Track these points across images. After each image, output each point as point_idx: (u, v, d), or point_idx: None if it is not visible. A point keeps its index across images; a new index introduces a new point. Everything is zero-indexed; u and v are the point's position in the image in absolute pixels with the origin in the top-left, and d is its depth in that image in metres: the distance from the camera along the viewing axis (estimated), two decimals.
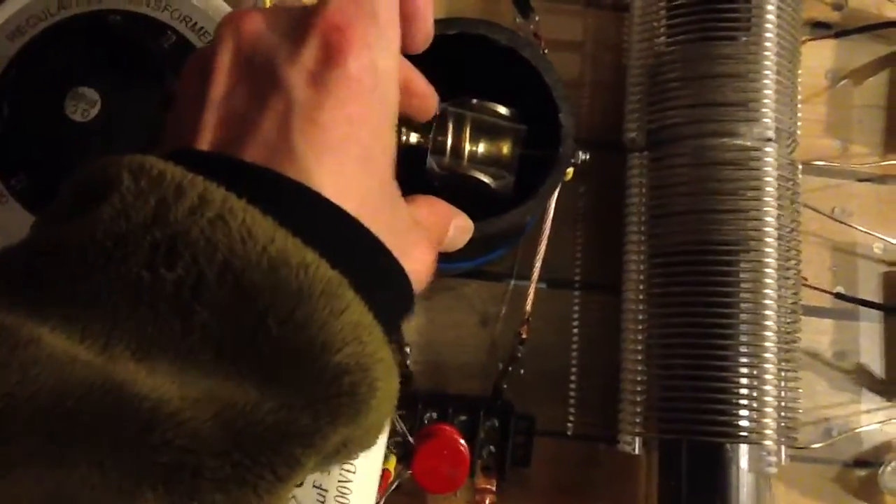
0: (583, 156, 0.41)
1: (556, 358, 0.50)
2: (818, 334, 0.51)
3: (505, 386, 0.46)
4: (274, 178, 0.21)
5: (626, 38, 0.49)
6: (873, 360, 0.51)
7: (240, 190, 0.20)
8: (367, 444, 0.23)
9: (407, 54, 0.39)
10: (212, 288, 0.19)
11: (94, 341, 0.18)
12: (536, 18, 0.49)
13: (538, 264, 0.44)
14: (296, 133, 0.21)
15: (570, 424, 0.49)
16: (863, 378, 0.51)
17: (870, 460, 0.50)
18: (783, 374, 0.40)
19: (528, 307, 0.44)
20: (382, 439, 0.34)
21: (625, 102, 0.46)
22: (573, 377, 0.49)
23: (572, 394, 0.49)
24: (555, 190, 0.39)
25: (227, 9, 0.36)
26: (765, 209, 0.41)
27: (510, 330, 0.48)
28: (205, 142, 0.22)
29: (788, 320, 0.42)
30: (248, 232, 0.19)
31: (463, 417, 0.44)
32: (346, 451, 0.22)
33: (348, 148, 0.22)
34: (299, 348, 0.19)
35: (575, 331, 0.50)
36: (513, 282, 0.50)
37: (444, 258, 0.48)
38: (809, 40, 0.52)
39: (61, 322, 0.18)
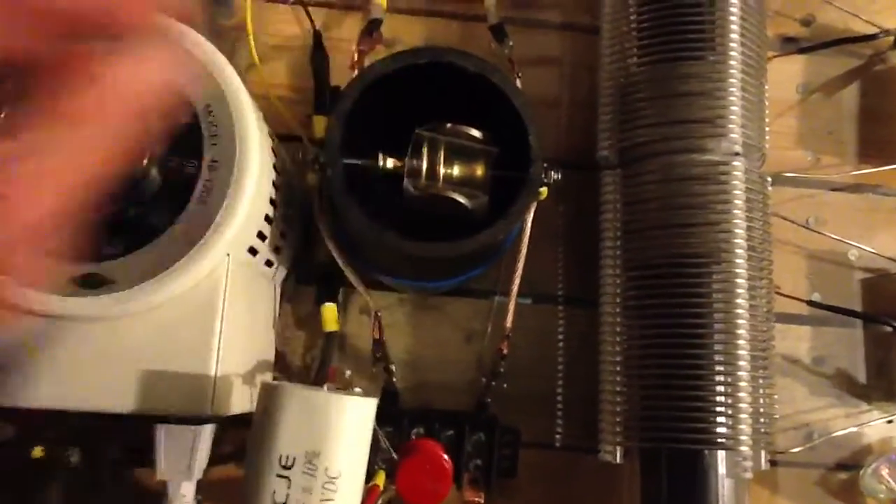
0: (555, 175, 0.42)
1: (541, 371, 0.51)
2: (797, 341, 0.52)
3: (489, 400, 0.47)
4: None
5: (597, 59, 0.51)
6: (852, 365, 0.52)
7: None
8: None
9: (384, 84, 0.41)
10: None
11: None
12: (511, 44, 0.51)
13: (517, 281, 0.45)
14: None
15: (557, 436, 0.50)
16: (842, 383, 0.52)
17: (850, 463, 0.51)
18: (759, 381, 0.42)
19: (509, 324, 0.45)
20: (363, 458, 0.35)
21: (596, 122, 0.48)
22: (559, 389, 0.51)
23: (559, 406, 0.50)
24: (526, 210, 0.40)
25: (209, 45, 0.38)
26: (734, 222, 0.42)
27: (495, 346, 0.49)
28: None
29: (762, 328, 0.43)
30: None
31: (449, 432, 0.46)
32: None
33: None
34: None
35: (560, 344, 0.52)
36: (497, 298, 0.52)
37: (425, 278, 0.50)
38: (776, 56, 0.53)
39: None
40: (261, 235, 0.40)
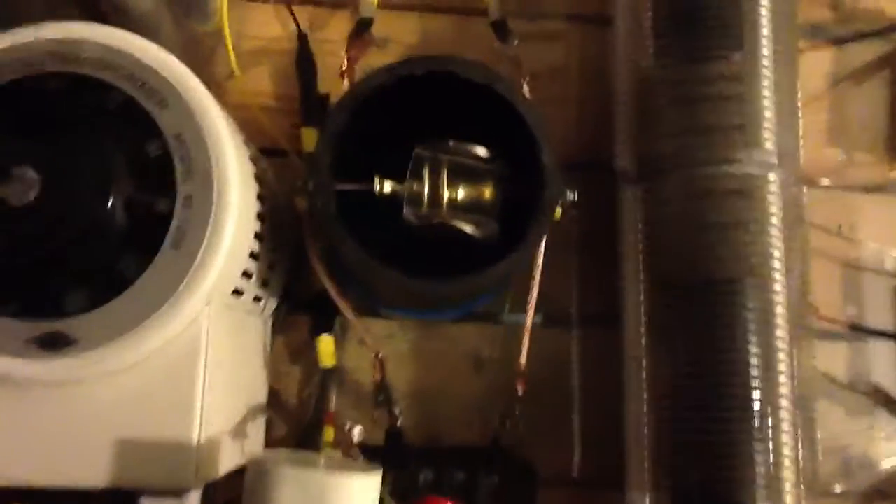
0: (570, 195, 0.38)
1: (556, 397, 0.47)
2: (833, 359, 0.48)
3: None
4: None
5: (610, 59, 0.46)
6: (892, 382, 0.48)
7: None
8: None
9: (378, 98, 0.37)
10: None
11: None
12: (516, 42, 0.46)
13: (530, 314, 0.41)
14: None
15: (575, 468, 0.46)
16: (881, 401, 0.48)
17: (891, 491, 0.47)
18: (802, 420, 0.38)
19: (523, 360, 0.41)
20: None
21: (614, 130, 0.43)
22: (575, 417, 0.47)
23: (577, 435, 0.46)
24: (541, 238, 0.36)
25: (178, 65, 0.33)
26: (771, 241, 0.38)
27: (506, 373, 0.45)
28: None
29: (804, 358, 0.39)
30: None
31: (461, 475, 0.42)
32: None
33: None
34: None
35: (575, 367, 0.47)
36: (505, 316, 0.47)
37: (429, 311, 0.45)
38: (809, 50, 0.49)
39: None
40: (246, 274, 0.36)
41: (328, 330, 0.44)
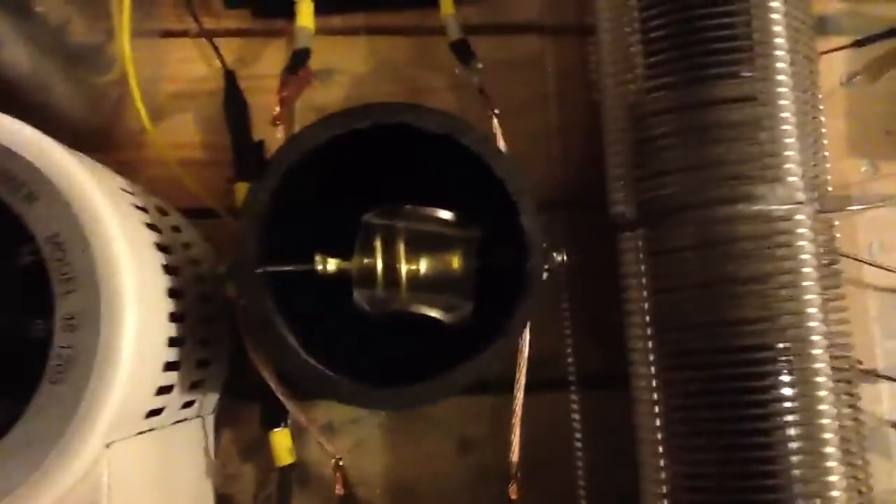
0: (558, 257, 0.31)
1: (556, 479, 0.40)
2: (872, 403, 0.42)
3: None
4: None
5: (595, 78, 0.39)
6: None
7: None
8: None
9: (315, 157, 0.30)
10: None
11: None
12: (480, 66, 0.39)
13: (519, 396, 0.34)
14: None
15: None
16: None
17: None
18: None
19: (515, 456, 0.34)
20: None
21: (605, 168, 0.36)
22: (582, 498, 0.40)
23: None
24: (528, 319, 0.29)
25: (51, 145, 0.26)
26: (805, 297, 0.31)
27: (496, 453, 0.39)
28: None
29: (850, 425, 0.32)
30: None
31: None
32: None
33: None
34: None
35: (577, 435, 0.41)
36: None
37: (396, 408, 0.39)
38: (826, 53, 0.42)
39: None
40: (163, 389, 0.29)
41: (282, 421, 0.37)
